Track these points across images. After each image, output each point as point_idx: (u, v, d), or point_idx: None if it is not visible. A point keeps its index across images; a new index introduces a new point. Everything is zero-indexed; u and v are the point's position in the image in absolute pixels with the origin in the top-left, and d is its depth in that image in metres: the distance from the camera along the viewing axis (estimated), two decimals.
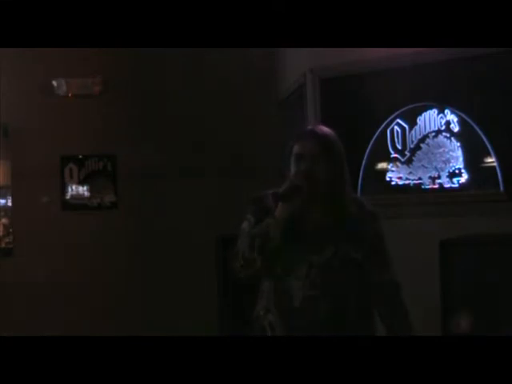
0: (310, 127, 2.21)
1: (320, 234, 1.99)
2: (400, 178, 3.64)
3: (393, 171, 3.67)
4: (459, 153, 3.44)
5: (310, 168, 1.97)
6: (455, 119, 3.45)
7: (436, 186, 3.52)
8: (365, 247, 2.01)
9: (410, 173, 3.61)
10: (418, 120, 3.58)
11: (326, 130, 2.09)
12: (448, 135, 3.47)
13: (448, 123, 3.47)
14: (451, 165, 3.46)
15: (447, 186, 3.48)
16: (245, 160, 4.57)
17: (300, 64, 4.06)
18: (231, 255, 1.98)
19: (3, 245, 4.51)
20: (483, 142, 3.34)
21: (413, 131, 3.60)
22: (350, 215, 2.02)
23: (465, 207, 3.37)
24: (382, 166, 3.73)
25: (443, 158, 3.49)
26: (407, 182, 3.62)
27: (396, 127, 3.67)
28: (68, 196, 4.61)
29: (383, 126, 3.70)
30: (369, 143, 3.74)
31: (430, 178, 3.54)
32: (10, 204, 4.54)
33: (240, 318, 3.03)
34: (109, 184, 4.65)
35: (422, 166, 3.56)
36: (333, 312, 1.93)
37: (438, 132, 3.51)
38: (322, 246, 1.97)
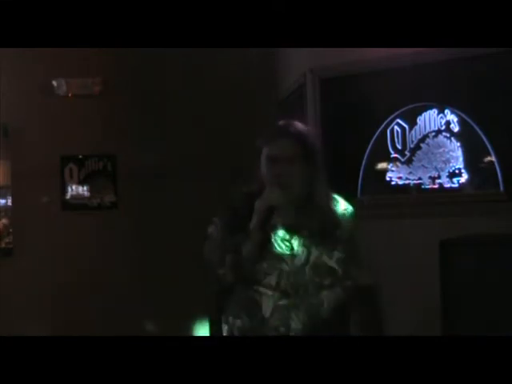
0: (281, 123, 2.00)
1: (291, 240, 1.89)
2: (400, 177, 3.64)
3: (393, 171, 3.67)
4: (459, 153, 3.44)
5: (285, 173, 1.86)
6: (455, 119, 3.45)
7: (436, 186, 3.52)
8: (339, 251, 1.92)
9: (410, 173, 3.61)
10: (418, 120, 3.58)
11: (300, 126, 1.95)
12: (448, 135, 3.47)
13: (448, 123, 3.47)
14: (451, 165, 3.46)
15: (447, 185, 3.48)
16: (245, 160, 4.56)
17: (300, 64, 4.06)
18: (205, 263, 1.92)
19: (3, 245, 4.51)
20: (483, 142, 3.34)
21: (413, 131, 3.60)
22: (326, 219, 1.91)
23: (465, 207, 3.37)
24: (381, 165, 3.73)
25: (443, 158, 3.49)
26: (407, 181, 3.62)
27: (396, 127, 3.67)
28: (68, 196, 4.61)
29: (383, 126, 3.70)
30: (369, 143, 3.74)
31: (430, 178, 3.53)
32: (10, 204, 4.54)
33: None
34: (109, 184, 4.65)
35: (422, 165, 3.56)
36: (305, 323, 1.85)
37: (438, 132, 3.51)
38: (292, 252, 1.88)
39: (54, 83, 4.55)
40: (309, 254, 1.88)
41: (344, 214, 1.99)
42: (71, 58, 4.35)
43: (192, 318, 4.16)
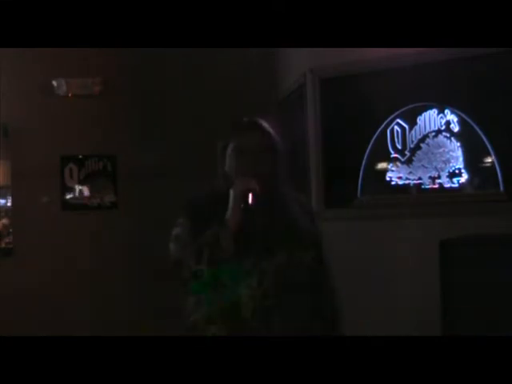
0: (245, 118, 1.99)
1: (269, 238, 1.85)
2: (400, 177, 3.64)
3: (393, 171, 3.67)
4: (459, 153, 3.44)
5: (256, 163, 1.84)
6: (455, 119, 3.45)
7: (436, 186, 3.52)
8: (312, 247, 1.91)
9: (410, 173, 3.61)
10: (418, 120, 3.58)
11: (262, 120, 1.94)
12: (448, 135, 3.47)
13: (448, 123, 3.47)
14: (451, 165, 3.46)
15: (447, 185, 3.48)
16: None
17: (300, 64, 4.06)
18: (172, 268, 1.85)
19: (3, 245, 4.51)
20: (483, 142, 3.34)
21: (413, 131, 3.60)
22: (294, 213, 1.90)
23: (465, 207, 3.37)
24: (381, 165, 3.73)
25: (443, 158, 3.49)
26: (407, 181, 3.62)
27: (396, 127, 3.66)
28: (68, 196, 4.61)
29: (383, 125, 3.70)
30: (369, 143, 3.74)
31: (430, 177, 3.53)
32: (9, 204, 4.55)
33: None
34: (109, 184, 4.66)
35: (422, 165, 3.56)
36: (286, 323, 1.81)
37: (438, 132, 3.51)
38: (273, 251, 1.83)
39: (54, 83, 4.55)
40: (286, 251, 1.85)
41: (306, 208, 1.99)
42: (71, 57, 4.36)
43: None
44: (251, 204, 1.74)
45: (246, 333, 1.79)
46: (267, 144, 1.89)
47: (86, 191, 4.64)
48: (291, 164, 2.00)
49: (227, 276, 1.79)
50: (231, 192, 1.78)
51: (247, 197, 1.75)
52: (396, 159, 3.67)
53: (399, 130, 3.65)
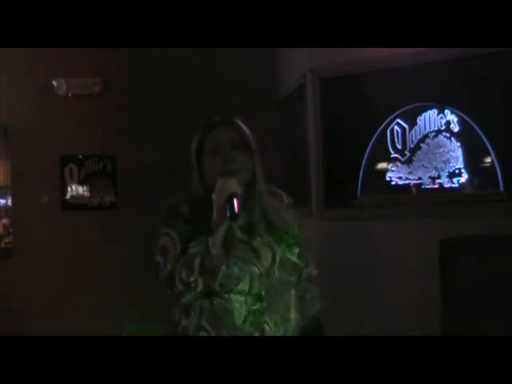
0: (216, 118, 1.96)
1: (251, 240, 1.82)
2: (400, 177, 3.64)
3: (393, 171, 3.67)
4: (459, 153, 3.44)
5: (230, 159, 1.80)
6: (455, 119, 3.45)
7: (436, 186, 3.52)
8: (296, 245, 1.90)
9: (410, 173, 3.61)
10: (418, 120, 3.57)
11: (231, 117, 1.92)
12: (448, 135, 3.47)
13: (448, 123, 3.47)
14: (451, 165, 3.46)
15: (447, 185, 3.48)
16: None
17: (300, 64, 4.06)
18: (163, 281, 1.79)
19: (3, 245, 4.51)
20: (483, 142, 3.34)
21: (413, 131, 3.60)
22: (271, 212, 1.86)
23: (465, 207, 3.37)
24: (381, 165, 3.73)
25: (443, 158, 3.49)
26: (407, 181, 3.62)
27: (396, 127, 3.66)
28: (68, 196, 4.62)
29: (383, 125, 3.70)
30: (369, 143, 3.74)
31: (430, 177, 3.53)
32: (10, 204, 4.55)
33: None
34: (109, 184, 4.66)
35: (422, 165, 3.56)
36: (278, 325, 1.80)
37: (438, 132, 3.51)
38: (258, 254, 1.81)
39: (54, 83, 4.56)
40: (274, 252, 1.84)
41: (288, 208, 1.96)
42: (71, 57, 4.36)
43: None
44: (237, 208, 1.69)
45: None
46: (239, 141, 1.86)
47: (86, 191, 4.64)
48: (269, 162, 1.96)
49: (217, 283, 1.75)
50: (214, 197, 1.73)
51: (232, 201, 1.69)
52: (396, 159, 3.67)
53: (399, 129, 3.65)
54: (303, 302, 1.96)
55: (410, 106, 3.60)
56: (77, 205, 4.61)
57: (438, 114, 3.51)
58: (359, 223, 3.70)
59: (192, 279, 1.70)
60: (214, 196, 1.73)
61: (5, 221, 4.55)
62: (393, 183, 3.67)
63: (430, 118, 3.53)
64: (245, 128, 1.91)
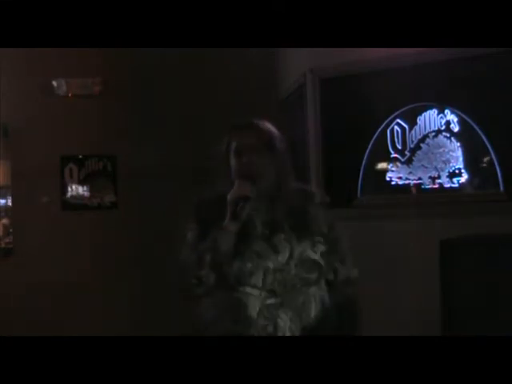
0: (241, 120, 2.02)
1: (272, 236, 1.86)
2: (400, 177, 3.64)
3: (393, 171, 3.67)
4: (459, 153, 3.44)
5: (252, 163, 1.85)
6: (455, 119, 3.45)
7: (436, 186, 3.52)
8: (322, 244, 1.91)
9: (410, 173, 3.61)
10: (418, 120, 3.58)
11: (259, 120, 1.96)
12: (448, 135, 3.48)
13: (448, 123, 3.47)
14: (451, 165, 3.46)
15: (447, 185, 3.48)
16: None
17: (300, 64, 4.06)
18: (179, 273, 1.88)
19: (3, 245, 4.51)
20: (483, 142, 3.34)
21: (413, 131, 3.60)
22: (299, 210, 1.90)
23: (465, 207, 3.37)
24: (381, 165, 3.73)
25: (443, 158, 3.49)
26: (407, 181, 3.62)
27: (396, 127, 3.67)
28: (68, 196, 4.61)
29: (383, 125, 3.70)
30: (369, 143, 3.74)
31: (430, 177, 3.54)
32: (10, 204, 4.55)
33: None
34: (109, 184, 4.66)
35: (422, 165, 3.56)
36: (293, 320, 1.83)
37: (438, 132, 3.51)
38: (276, 249, 1.85)
39: (54, 83, 4.55)
40: (292, 249, 1.86)
41: (319, 207, 1.97)
42: (71, 57, 4.36)
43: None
44: (243, 210, 1.79)
45: (252, 330, 1.81)
46: (265, 143, 1.89)
47: (86, 191, 4.64)
48: (292, 163, 1.99)
49: (231, 277, 1.82)
50: (228, 197, 1.82)
51: (239, 203, 1.79)
52: (396, 159, 3.67)
53: (399, 130, 3.65)
54: (339, 303, 1.94)
55: (410, 106, 3.60)
56: (77, 205, 4.61)
57: (438, 114, 3.51)
58: (359, 223, 3.69)
59: (203, 273, 1.79)
60: (228, 196, 1.82)
61: (5, 221, 4.55)
62: (393, 183, 3.67)
63: (430, 118, 3.53)
64: (271, 129, 1.94)
